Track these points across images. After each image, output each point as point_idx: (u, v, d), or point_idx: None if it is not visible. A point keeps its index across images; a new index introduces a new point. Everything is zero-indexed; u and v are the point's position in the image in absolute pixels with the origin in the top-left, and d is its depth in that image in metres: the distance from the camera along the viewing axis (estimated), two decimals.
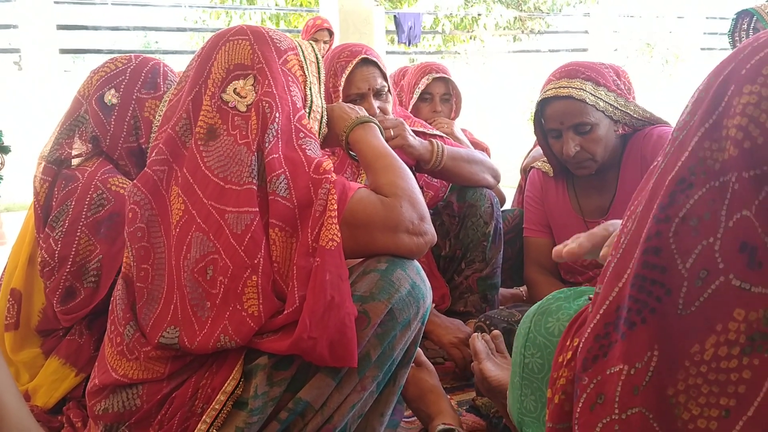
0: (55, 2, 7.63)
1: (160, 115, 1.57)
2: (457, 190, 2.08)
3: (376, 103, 1.86)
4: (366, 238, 1.16)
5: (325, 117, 1.34)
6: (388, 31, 8.83)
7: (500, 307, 1.99)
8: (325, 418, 1.12)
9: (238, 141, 1.16)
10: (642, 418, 0.61)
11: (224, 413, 1.08)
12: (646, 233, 0.62)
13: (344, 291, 1.08)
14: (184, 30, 10.21)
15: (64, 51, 7.83)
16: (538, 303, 0.97)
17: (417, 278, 1.18)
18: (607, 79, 1.80)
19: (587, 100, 1.75)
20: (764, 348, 0.56)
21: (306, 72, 1.28)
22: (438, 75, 2.52)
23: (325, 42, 4.84)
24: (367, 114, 1.39)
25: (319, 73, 1.32)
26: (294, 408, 1.10)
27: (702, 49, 11.00)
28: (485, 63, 11.06)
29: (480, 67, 11.01)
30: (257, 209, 1.12)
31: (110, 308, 1.22)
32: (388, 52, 8.77)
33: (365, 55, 1.87)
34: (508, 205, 2.59)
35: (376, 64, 1.89)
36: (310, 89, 1.28)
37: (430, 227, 1.21)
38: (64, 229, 1.50)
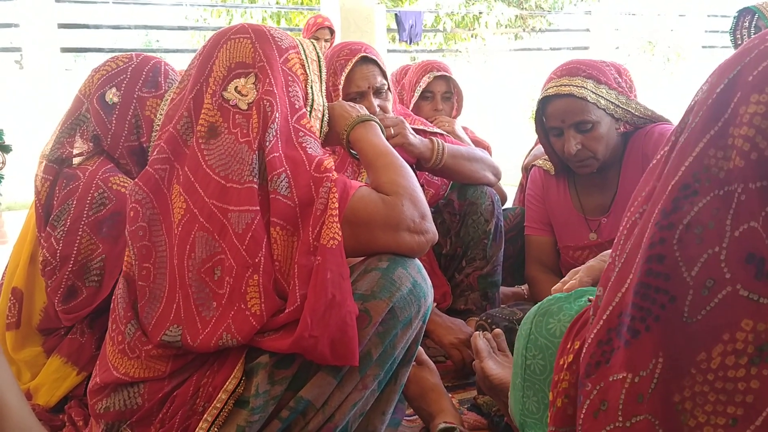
0: (56, 1, 7.63)
1: (161, 114, 1.57)
2: (457, 187, 2.08)
3: (376, 102, 1.86)
4: (367, 237, 1.16)
5: (327, 116, 1.34)
6: (389, 30, 8.82)
7: (502, 306, 1.99)
8: (327, 416, 1.12)
9: (239, 139, 1.16)
10: (648, 424, 0.60)
11: (225, 412, 1.08)
12: (648, 240, 0.62)
13: (345, 289, 1.08)
14: (185, 28, 10.20)
15: (65, 50, 7.82)
16: (539, 304, 0.97)
17: (418, 277, 1.18)
18: (608, 77, 1.79)
19: (588, 98, 1.75)
20: None
21: (307, 70, 1.28)
22: (439, 73, 2.52)
23: (326, 40, 4.84)
24: (368, 112, 1.39)
25: (320, 71, 1.32)
26: (295, 407, 1.10)
27: (703, 47, 10.97)
28: (486, 61, 11.04)
29: (481, 66, 10.99)
30: (258, 208, 1.12)
31: (111, 307, 1.22)
32: (389, 51, 8.76)
33: (365, 54, 1.87)
34: (509, 204, 2.58)
35: (375, 62, 1.88)
36: (312, 88, 1.28)
37: (431, 226, 1.21)
38: (65, 229, 1.50)
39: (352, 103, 1.41)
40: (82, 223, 1.50)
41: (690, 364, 0.59)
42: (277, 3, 11.05)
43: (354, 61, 1.85)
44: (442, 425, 1.29)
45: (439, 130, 2.08)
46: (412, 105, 2.51)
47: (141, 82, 1.61)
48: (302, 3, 11.23)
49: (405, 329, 1.15)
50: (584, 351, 0.67)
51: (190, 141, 1.20)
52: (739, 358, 0.57)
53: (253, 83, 1.20)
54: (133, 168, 1.61)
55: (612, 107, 1.78)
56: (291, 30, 9.78)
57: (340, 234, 1.10)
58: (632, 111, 1.82)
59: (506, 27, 11.62)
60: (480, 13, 11.41)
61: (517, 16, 11.78)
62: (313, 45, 1.33)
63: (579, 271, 1.16)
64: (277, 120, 1.17)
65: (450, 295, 2.05)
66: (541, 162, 2.08)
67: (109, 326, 1.20)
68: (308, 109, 1.26)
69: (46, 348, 1.58)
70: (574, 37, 11.23)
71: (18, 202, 6.21)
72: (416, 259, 1.21)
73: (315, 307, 1.05)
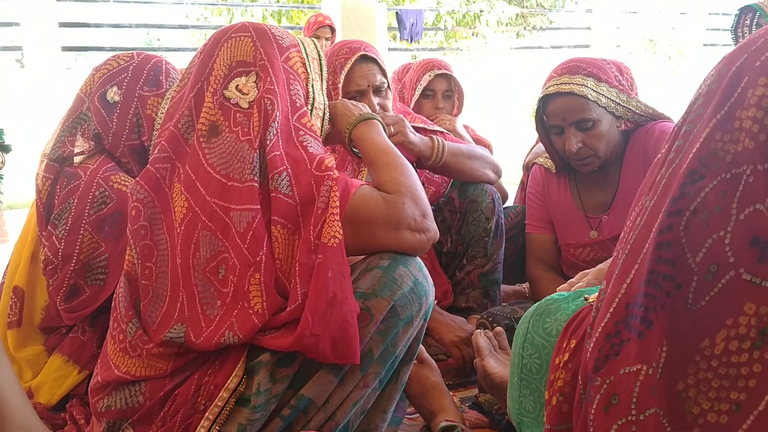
0: (57, 0, 7.63)
1: (162, 113, 1.57)
2: (458, 185, 2.08)
3: (375, 100, 1.86)
4: (368, 235, 1.16)
5: (327, 114, 1.34)
6: (390, 28, 8.81)
7: (503, 304, 1.99)
8: (328, 415, 1.13)
9: (240, 138, 1.16)
10: (656, 417, 0.60)
11: (227, 410, 1.08)
12: (658, 227, 0.62)
13: (346, 288, 1.08)
14: (186, 27, 10.20)
15: (66, 48, 7.81)
16: (537, 304, 0.97)
17: (419, 275, 1.18)
18: (609, 75, 1.79)
19: (589, 97, 1.74)
20: None
21: (308, 69, 1.28)
22: (440, 72, 2.51)
23: (327, 39, 4.84)
24: (369, 111, 1.39)
25: (321, 70, 1.32)
26: (296, 405, 1.10)
27: (705, 45, 10.96)
28: (487, 59, 11.03)
29: (482, 64, 10.98)
30: (259, 206, 1.12)
31: (113, 306, 1.22)
32: (390, 49, 8.75)
33: (364, 52, 1.87)
34: (510, 202, 2.58)
35: (375, 61, 1.88)
36: (312, 86, 1.28)
37: (432, 224, 1.21)
38: (67, 227, 1.50)
39: (354, 102, 1.41)
40: (84, 221, 1.50)
41: (694, 352, 0.59)
42: (278, 1, 11.04)
43: (353, 59, 1.85)
44: (444, 423, 1.29)
45: (439, 128, 2.08)
46: (413, 103, 2.51)
47: (142, 80, 1.61)
48: (303, 1, 11.22)
49: (406, 327, 1.15)
50: (591, 346, 0.67)
51: (191, 139, 1.20)
52: (742, 343, 0.57)
53: (254, 82, 1.20)
54: (135, 167, 1.61)
55: (613, 105, 1.78)
56: (292, 28, 9.78)
57: (341, 232, 1.10)
58: (633, 109, 1.82)
59: (507, 25, 11.61)
60: (481, 11, 11.39)
61: (518, 14, 11.76)
62: (314, 43, 1.33)
63: (588, 273, 1.15)
64: (278, 118, 1.17)
65: (451, 293, 2.05)
66: (541, 160, 2.08)
67: (111, 325, 1.20)
68: (309, 107, 1.26)
69: (47, 347, 1.58)
70: (575, 36, 11.21)
71: (19, 201, 6.22)
72: (417, 257, 1.21)
73: (316, 305, 1.05)
